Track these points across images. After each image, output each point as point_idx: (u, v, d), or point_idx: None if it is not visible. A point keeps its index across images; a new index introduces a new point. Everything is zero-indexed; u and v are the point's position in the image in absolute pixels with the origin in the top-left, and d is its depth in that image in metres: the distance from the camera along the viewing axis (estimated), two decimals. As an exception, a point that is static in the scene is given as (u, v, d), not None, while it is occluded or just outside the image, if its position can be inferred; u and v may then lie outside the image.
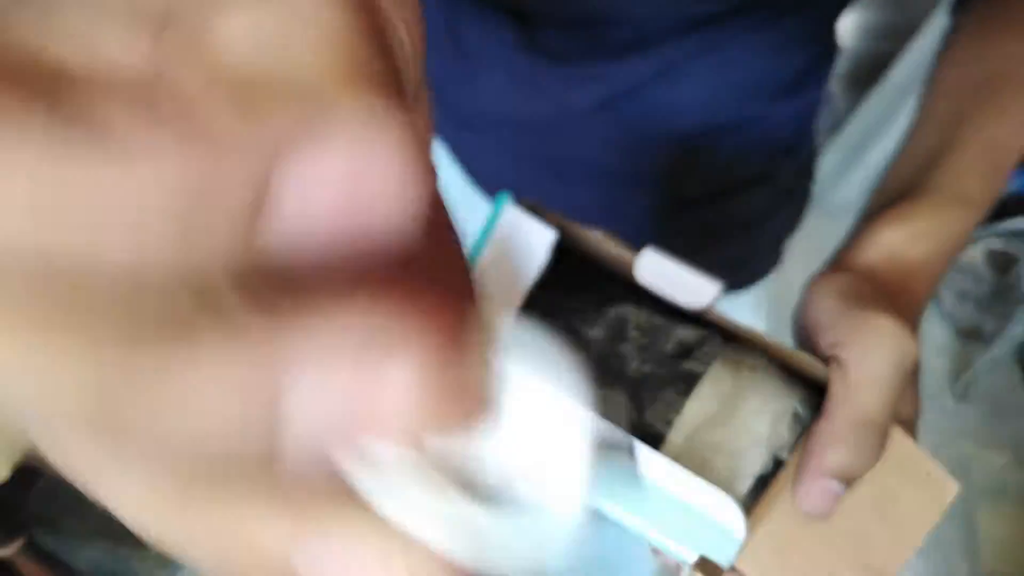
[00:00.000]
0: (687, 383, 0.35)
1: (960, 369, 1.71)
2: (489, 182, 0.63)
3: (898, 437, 0.33)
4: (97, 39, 0.10)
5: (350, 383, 0.10)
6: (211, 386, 0.09)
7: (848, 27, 2.00)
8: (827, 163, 1.87)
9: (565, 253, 0.37)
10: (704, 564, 0.31)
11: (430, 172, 0.11)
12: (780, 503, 0.33)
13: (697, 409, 0.34)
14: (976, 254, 1.76)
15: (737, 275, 0.67)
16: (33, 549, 1.12)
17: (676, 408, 0.35)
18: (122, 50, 0.10)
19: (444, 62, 0.56)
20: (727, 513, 0.30)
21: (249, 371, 0.10)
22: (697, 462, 0.34)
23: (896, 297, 0.35)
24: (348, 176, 0.10)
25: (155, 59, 0.10)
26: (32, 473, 0.98)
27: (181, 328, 0.09)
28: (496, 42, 0.52)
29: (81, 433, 0.10)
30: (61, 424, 0.10)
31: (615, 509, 0.32)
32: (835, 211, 1.86)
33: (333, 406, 0.10)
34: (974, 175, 0.40)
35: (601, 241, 0.36)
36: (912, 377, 0.35)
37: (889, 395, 0.31)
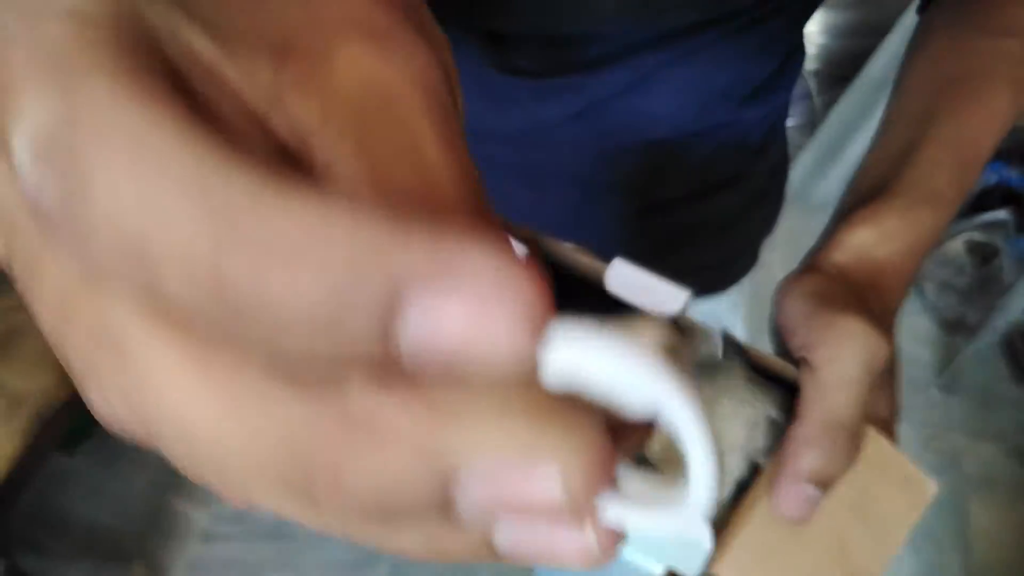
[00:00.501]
0: None
1: (946, 361, 1.73)
2: None
3: (874, 438, 0.33)
4: (223, 66, 0.12)
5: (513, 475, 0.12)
6: (389, 447, 0.12)
7: (823, 26, 2.01)
8: (805, 161, 1.88)
9: (542, 265, 0.37)
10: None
11: (545, 312, 0.12)
12: (759, 508, 0.32)
13: None
14: (958, 246, 1.78)
15: (714, 277, 0.67)
16: (16, 572, 1.11)
17: None
18: (245, 79, 0.12)
19: None
20: (692, 524, 0.30)
21: (419, 435, 0.12)
22: (677, 470, 0.33)
23: (867, 297, 0.35)
24: (469, 319, 0.11)
25: (276, 88, 0.12)
26: (13, 493, 0.96)
27: (336, 384, 0.12)
28: (469, 61, 0.52)
29: (276, 488, 0.12)
30: (256, 479, 0.12)
31: None
32: (814, 208, 1.87)
33: (496, 488, 0.12)
34: (944, 173, 0.39)
35: (571, 252, 0.35)
36: (888, 377, 0.35)
37: (859, 396, 0.31)
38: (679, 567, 0.31)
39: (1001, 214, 1.78)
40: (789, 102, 0.63)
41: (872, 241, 0.37)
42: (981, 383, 1.69)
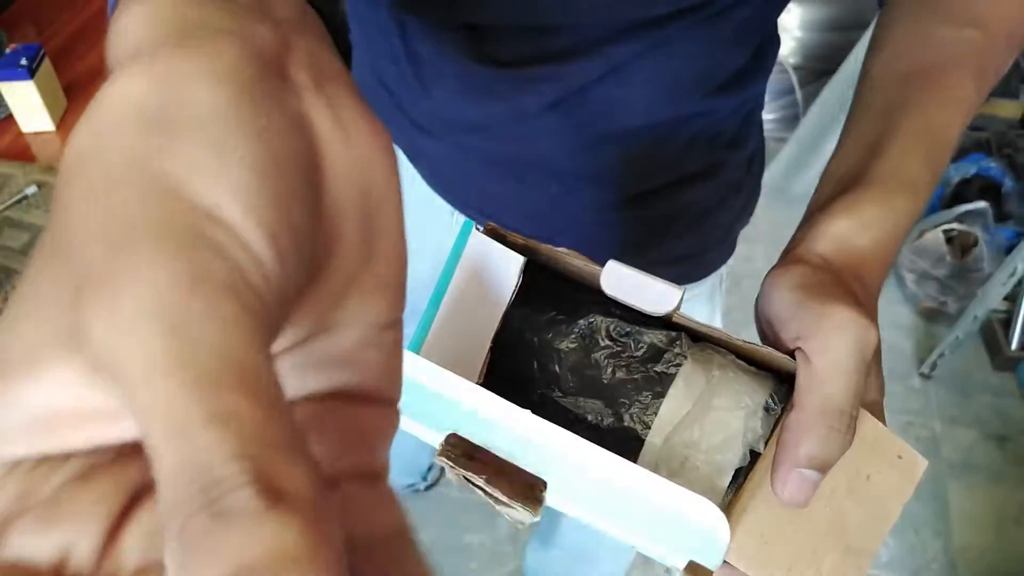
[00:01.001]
0: (661, 385, 0.36)
1: (926, 349, 1.75)
2: (448, 186, 0.65)
3: (866, 420, 0.35)
4: None
5: None
6: None
7: (803, 21, 2.03)
8: (787, 154, 1.90)
9: (531, 271, 0.38)
10: (694, 567, 0.32)
11: None
12: (759, 495, 0.34)
13: (673, 409, 0.35)
14: (937, 236, 1.80)
15: (691, 266, 0.68)
16: None
17: (652, 410, 0.36)
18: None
19: (400, 71, 0.58)
20: (710, 518, 0.31)
21: None
22: (677, 461, 0.35)
23: (850, 284, 0.37)
24: None
25: None
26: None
27: None
28: (448, 53, 0.53)
29: None
30: None
31: (600, 521, 0.32)
32: (796, 201, 1.89)
33: None
34: (915, 161, 0.41)
35: (566, 256, 0.37)
36: (875, 361, 0.36)
37: (854, 382, 0.32)
38: (700, 559, 0.32)
39: (980, 204, 1.80)
40: (764, 93, 0.64)
41: (852, 230, 0.38)
42: (960, 370, 1.72)
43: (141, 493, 0.15)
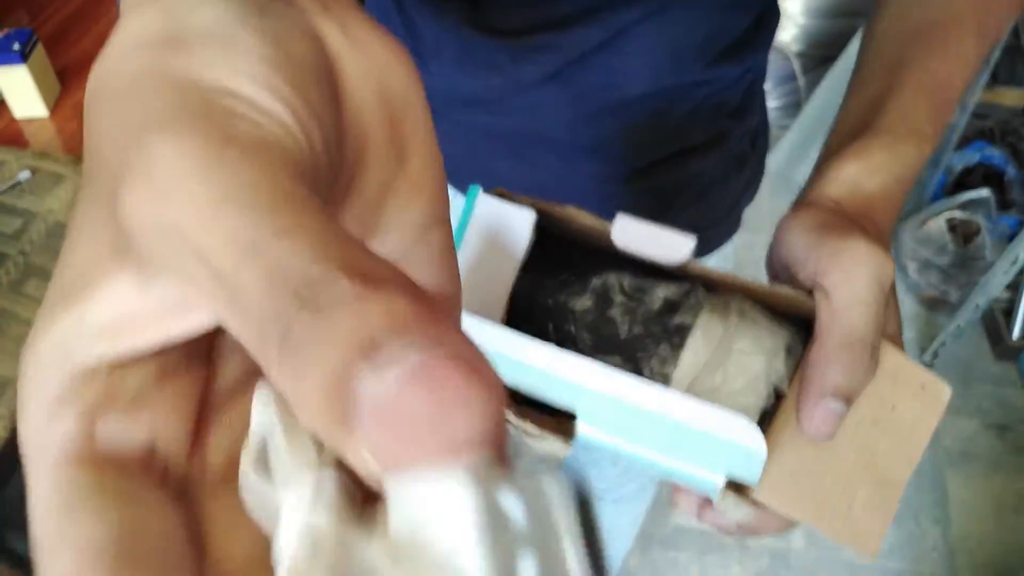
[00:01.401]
0: (679, 336, 0.36)
1: (927, 338, 1.74)
2: (449, 167, 0.63)
3: (888, 351, 0.35)
4: None
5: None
6: None
7: (806, 7, 2.01)
8: (790, 141, 1.89)
9: (541, 233, 0.38)
10: (734, 486, 0.32)
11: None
12: (786, 433, 0.34)
13: (692, 359, 0.35)
14: (940, 224, 1.79)
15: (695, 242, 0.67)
16: (5, 554, 1.11)
17: (672, 362, 0.36)
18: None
19: None
20: (745, 432, 0.31)
21: None
22: None
23: (863, 225, 0.37)
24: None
25: None
26: (4, 475, 0.97)
27: None
28: (447, 24, 0.53)
29: None
30: None
31: (638, 448, 0.32)
32: (794, 189, 1.87)
33: None
34: (921, 111, 0.42)
35: (575, 215, 0.36)
36: (892, 295, 0.37)
37: (875, 312, 0.33)
38: (739, 476, 0.32)
39: (983, 193, 1.79)
40: (765, 65, 0.64)
41: (862, 174, 0.39)
42: (962, 360, 1.71)
43: (214, 401, 0.16)
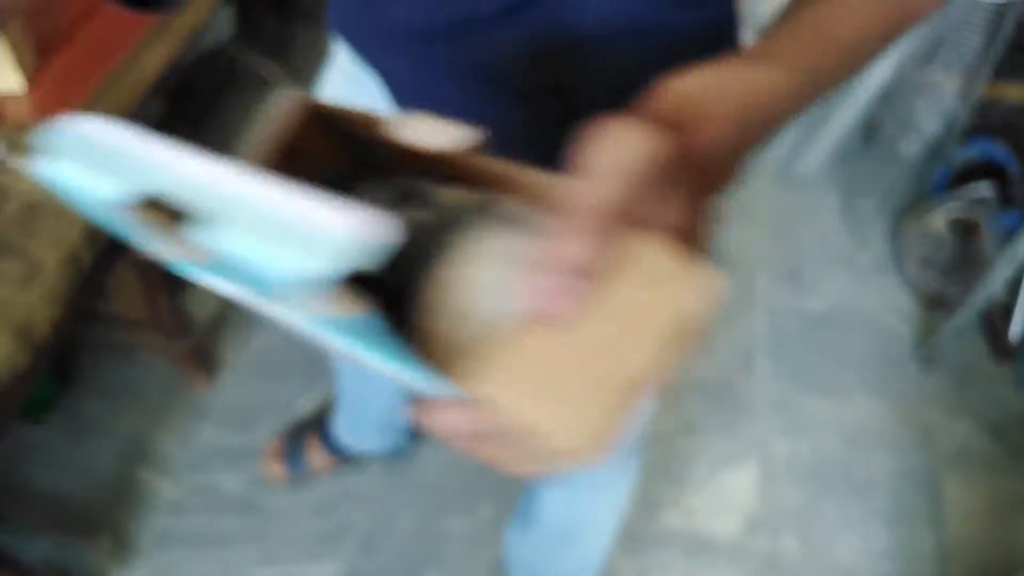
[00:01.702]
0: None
1: (924, 336, 1.72)
2: (409, 101, 0.66)
3: (648, 242, 0.31)
4: None
5: None
6: None
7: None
8: (787, 135, 1.87)
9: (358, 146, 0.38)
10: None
11: None
12: (521, 324, 0.30)
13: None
14: (939, 221, 1.77)
15: None
16: (6, 561, 1.08)
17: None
18: None
19: None
20: (316, 214, 0.25)
21: None
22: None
23: (688, 136, 0.34)
24: None
25: None
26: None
27: None
28: None
29: None
30: None
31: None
32: (795, 183, 1.86)
33: None
34: (790, 41, 0.41)
35: (368, 118, 0.35)
36: (685, 183, 0.34)
37: (623, 182, 0.30)
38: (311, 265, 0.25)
39: (983, 190, 1.77)
40: (729, 19, 0.63)
41: (691, 88, 0.36)
42: (959, 359, 1.69)
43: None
